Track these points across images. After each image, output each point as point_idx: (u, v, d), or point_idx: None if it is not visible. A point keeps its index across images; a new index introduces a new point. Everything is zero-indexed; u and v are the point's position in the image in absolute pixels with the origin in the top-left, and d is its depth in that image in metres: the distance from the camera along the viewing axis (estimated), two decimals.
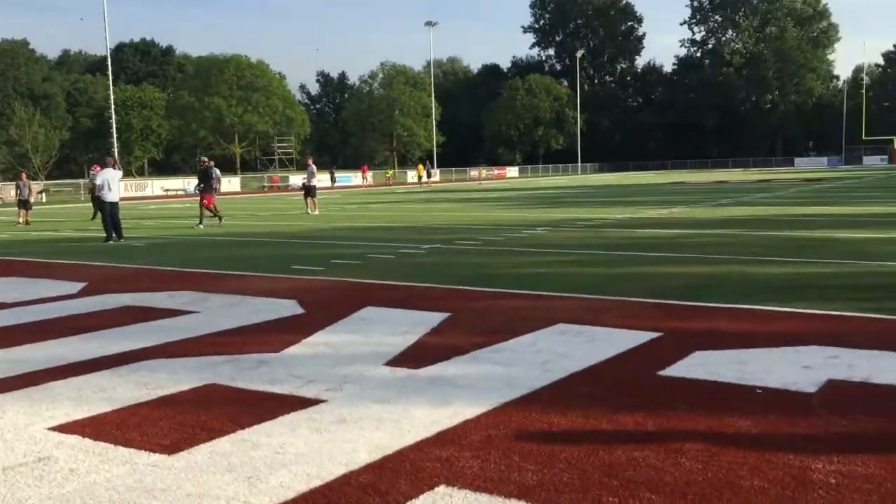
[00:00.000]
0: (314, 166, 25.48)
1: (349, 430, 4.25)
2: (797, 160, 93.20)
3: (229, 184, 57.81)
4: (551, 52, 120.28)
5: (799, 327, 6.40)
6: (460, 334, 6.49)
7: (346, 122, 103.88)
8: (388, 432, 4.18)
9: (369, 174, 63.11)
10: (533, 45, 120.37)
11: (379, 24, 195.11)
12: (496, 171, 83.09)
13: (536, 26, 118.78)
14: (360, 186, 58.45)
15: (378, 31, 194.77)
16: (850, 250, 11.32)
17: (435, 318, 7.14)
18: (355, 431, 4.22)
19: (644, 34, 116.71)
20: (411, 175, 71.56)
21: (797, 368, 5.12)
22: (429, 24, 76.77)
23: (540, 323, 6.77)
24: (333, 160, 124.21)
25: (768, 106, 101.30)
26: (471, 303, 7.92)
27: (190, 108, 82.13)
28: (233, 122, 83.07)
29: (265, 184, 62.08)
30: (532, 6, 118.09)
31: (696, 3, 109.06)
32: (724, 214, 19.35)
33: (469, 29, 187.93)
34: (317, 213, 24.12)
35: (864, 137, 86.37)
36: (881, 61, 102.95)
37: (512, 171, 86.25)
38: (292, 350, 6.12)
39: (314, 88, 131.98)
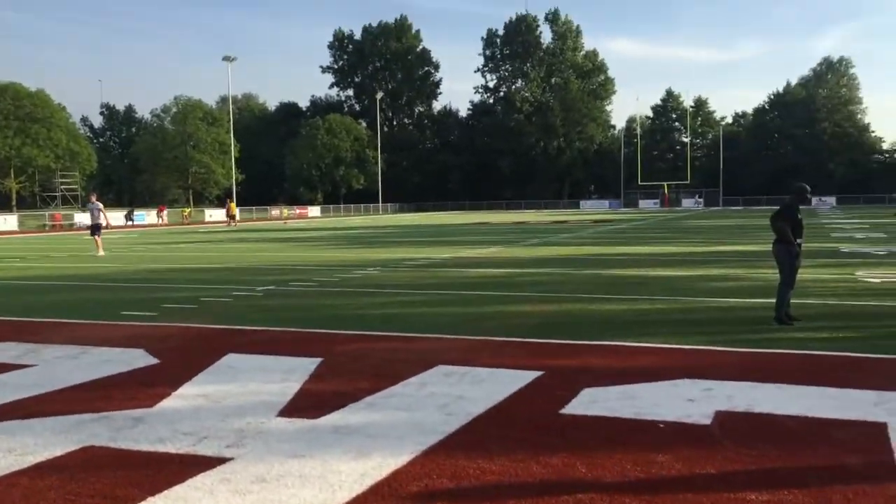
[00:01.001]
0: (99, 203, 23.70)
1: (274, 489, 3.98)
2: (582, 202, 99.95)
3: (4, 222, 53.07)
4: (350, 92, 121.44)
5: (663, 362, 6.81)
6: (343, 380, 6.31)
7: (138, 158, 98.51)
8: (319, 489, 3.97)
9: (165, 213, 60.14)
10: (332, 86, 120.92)
11: (167, 56, 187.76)
12: (298, 211, 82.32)
13: (335, 67, 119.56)
14: (157, 225, 55.53)
15: (167, 64, 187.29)
16: (669, 287, 12.24)
17: (307, 363, 6.90)
18: (282, 490, 3.96)
19: (441, 79, 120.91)
20: (209, 214, 69.14)
21: (683, 402, 5.44)
22: (227, 58, 74.86)
23: (418, 365, 6.73)
24: (120, 197, 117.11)
25: (556, 151, 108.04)
26: (338, 346, 7.73)
27: None
28: (8, 154, 76.01)
29: (47, 222, 57.44)
30: (330, 47, 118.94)
31: (488, 52, 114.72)
32: (539, 254, 20.28)
33: (264, 66, 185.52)
34: (101, 254, 22.33)
35: (639, 182, 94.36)
36: (650, 114, 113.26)
37: (314, 211, 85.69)
38: (166, 404, 5.66)
39: (97, 121, 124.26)
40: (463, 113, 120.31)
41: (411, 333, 8.33)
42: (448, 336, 8.12)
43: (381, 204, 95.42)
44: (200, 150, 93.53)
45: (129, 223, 56.11)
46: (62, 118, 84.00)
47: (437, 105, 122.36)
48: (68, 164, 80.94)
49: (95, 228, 23.32)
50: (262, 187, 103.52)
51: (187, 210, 67.87)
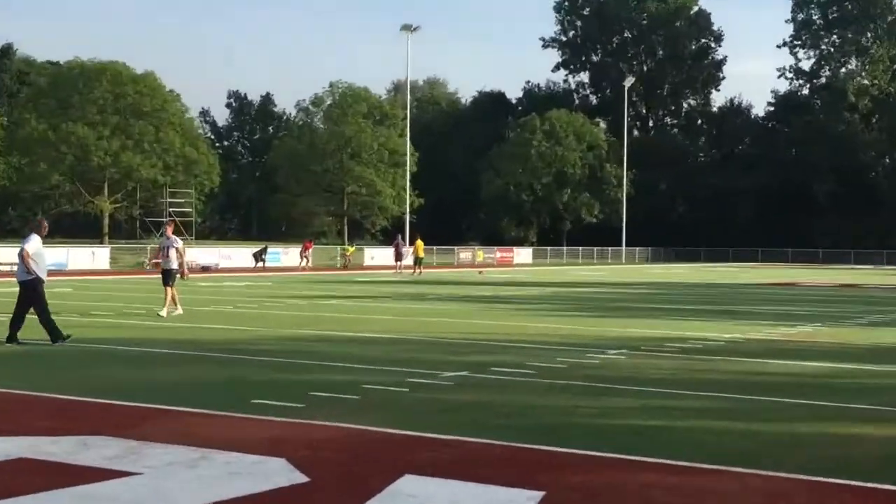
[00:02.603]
0: (175, 238, 23.55)
1: None
2: None
3: (93, 257, 56.82)
4: (583, 77, 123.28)
5: None
6: None
7: (275, 170, 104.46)
8: None
9: (310, 252, 62.80)
10: (557, 67, 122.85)
11: (320, 30, 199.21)
12: (500, 254, 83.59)
13: (563, 39, 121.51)
14: (299, 270, 58.24)
15: (318, 41, 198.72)
16: None
17: (524, 499, 6.97)
18: None
19: (725, 58, 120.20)
20: (370, 255, 71.75)
21: None
22: (406, 28, 77.78)
23: None
24: (247, 226, 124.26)
25: None
26: (566, 475, 7.78)
27: (40, 141, 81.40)
28: (102, 162, 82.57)
29: (146, 260, 58.38)
30: (557, 10, 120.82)
31: (800, 17, 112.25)
32: (883, 339, 19.50)
33: (456, 41, 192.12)
34: (178, 311, 22.22)
35: None
36: None
37: (524, 254, 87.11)
38: None
39: (222, 116, 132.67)
40: (758, 110, 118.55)
41: (679, 462, 8.23)
42: (739, 469, 7.94)
43: (625, 247, 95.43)
44: (362, 160, 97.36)
45: (260, 264, 59.20)
46: (176, 111, 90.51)
47: (716, 98, 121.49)
48: (181, 179, 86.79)
49: (166, 275, 22.65)
50: (447, 218, 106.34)
51: (350, 249, 70.68)
